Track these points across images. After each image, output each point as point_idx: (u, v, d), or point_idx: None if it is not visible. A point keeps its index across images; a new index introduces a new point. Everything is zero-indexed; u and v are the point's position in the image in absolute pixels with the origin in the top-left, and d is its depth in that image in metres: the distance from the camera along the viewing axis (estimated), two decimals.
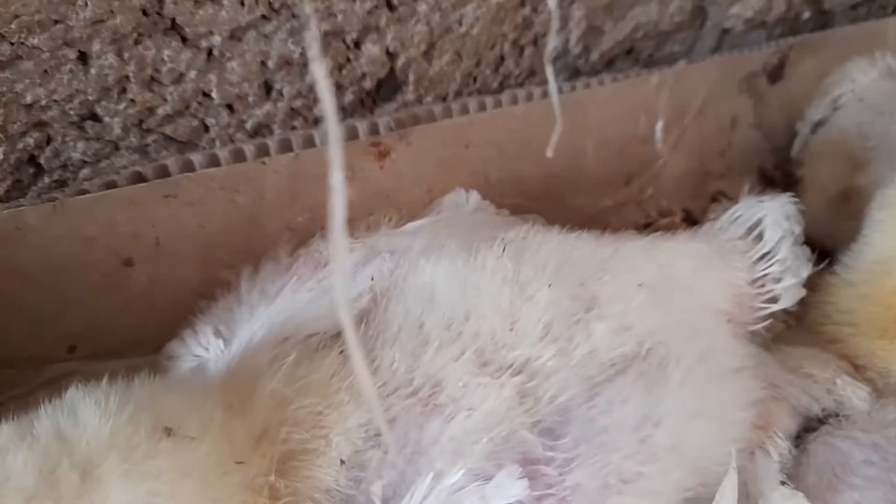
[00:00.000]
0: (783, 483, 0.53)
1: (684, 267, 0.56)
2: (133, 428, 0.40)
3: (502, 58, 0.84)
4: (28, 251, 0.59)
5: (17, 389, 0.60)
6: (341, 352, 0.48)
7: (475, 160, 0.74)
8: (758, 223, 0.63)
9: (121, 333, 0.62)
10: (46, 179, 0.64)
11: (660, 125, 0.90)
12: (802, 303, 0.68)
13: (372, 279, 0.53)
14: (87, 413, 0.41)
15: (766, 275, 0.61)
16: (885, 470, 0.53)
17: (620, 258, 0.54)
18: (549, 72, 0.49)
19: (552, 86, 0.53)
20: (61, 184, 0.64)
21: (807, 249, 0.65)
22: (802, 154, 0.94)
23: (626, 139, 0.88)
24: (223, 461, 0.42)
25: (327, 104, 0.27)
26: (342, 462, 0.44)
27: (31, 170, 0.64)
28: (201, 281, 0.63)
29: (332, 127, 0.27)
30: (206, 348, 0.56)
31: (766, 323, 0.61)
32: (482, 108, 0.79)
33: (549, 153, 0.52)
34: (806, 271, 0.63)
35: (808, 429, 0.59)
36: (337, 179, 0.27)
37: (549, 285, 0.49)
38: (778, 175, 1.00)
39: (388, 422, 0.45)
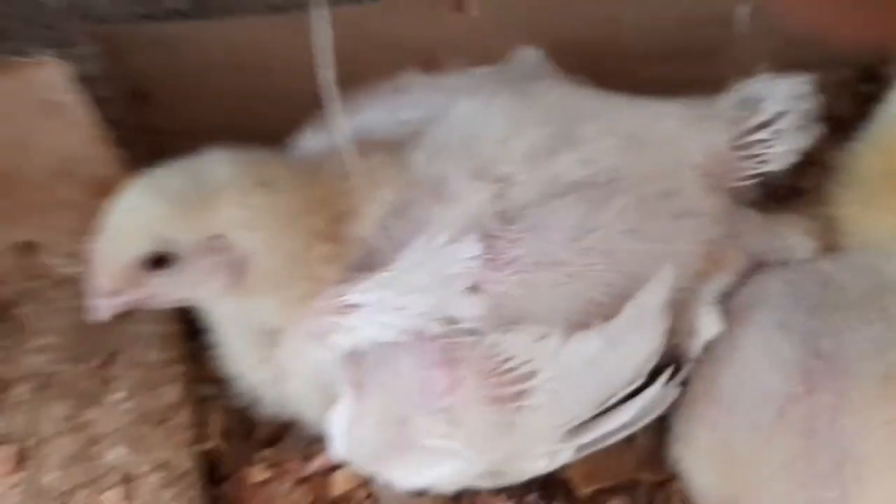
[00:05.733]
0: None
1: (667, 124, 0.71)
2: (244, 179, 0.64)
3: None
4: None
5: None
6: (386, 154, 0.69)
7: (548, 19, 0.88)
8: (763, 98, 0.75)
9: (260, 127, 0.86)
10: None
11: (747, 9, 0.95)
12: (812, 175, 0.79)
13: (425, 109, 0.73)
14: (220, 164, 0.64)
15: (755, 140, 0.73)
16: (788, 297, 0.68)
17: (608, 109, 0.70)
18: None
19: None
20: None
21: (814, 126, 0.74)
22: None
23: (709, 17, 0.95)
24: (297, 210, 0.65)
25: None
26: (371, 221, 0.66)
27: None
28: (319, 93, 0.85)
29: None
30: (312, 142, 0.79)
31: (752, 182, 0.74)
32: None
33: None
34: (803, 142, 0.74)
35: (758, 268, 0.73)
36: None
37: (539, 124, 0.67)
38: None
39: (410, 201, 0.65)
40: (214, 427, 0.79)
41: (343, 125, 0.52)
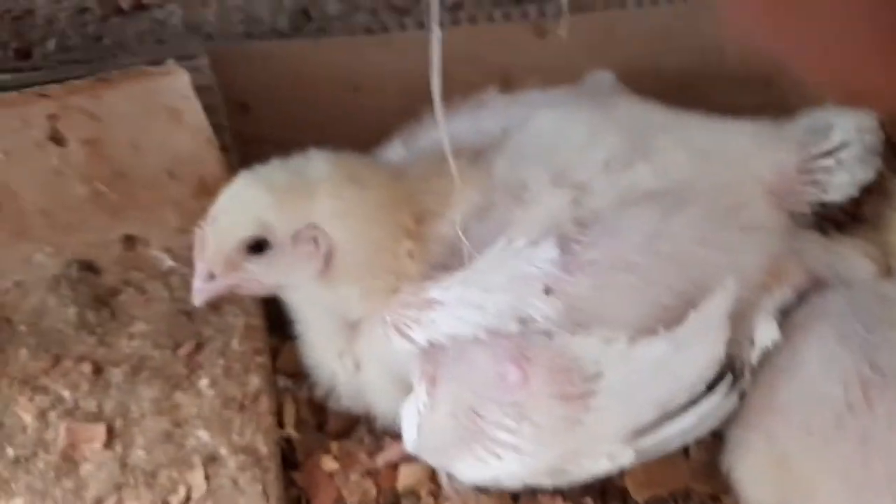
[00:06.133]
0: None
1: (738, 141, 0.75)
2: (338, 175, 0.70)
3: None
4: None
5: None
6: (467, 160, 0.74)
7: (621, 48, 0.93)
8: (830, 127, 0.78)
9: (347, 139, 0.93)
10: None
11: None
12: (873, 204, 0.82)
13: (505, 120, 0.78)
14: (317, 161, 0.71)
15: (819, 167, 0.76)
16: (847, 312, 0.70)
17: (681, 125, 0.74)
18: None
19: None
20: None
21: (876, 159, 0.77)
22: None
23: None
24: (385, 205, 0.71)
25: None
26: (453, 221, 0.70)
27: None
28: (403, 109, 0.91)
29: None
30: (395, 153, 0.84)
31: (812, 208, 0.77)
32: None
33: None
34: (864, 175, 0.77)
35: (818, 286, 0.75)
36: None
37: (616, 136, 0.71)
38: None
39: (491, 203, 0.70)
40: (290, 417, 0.84)
41: (445, 130, 0.58)
